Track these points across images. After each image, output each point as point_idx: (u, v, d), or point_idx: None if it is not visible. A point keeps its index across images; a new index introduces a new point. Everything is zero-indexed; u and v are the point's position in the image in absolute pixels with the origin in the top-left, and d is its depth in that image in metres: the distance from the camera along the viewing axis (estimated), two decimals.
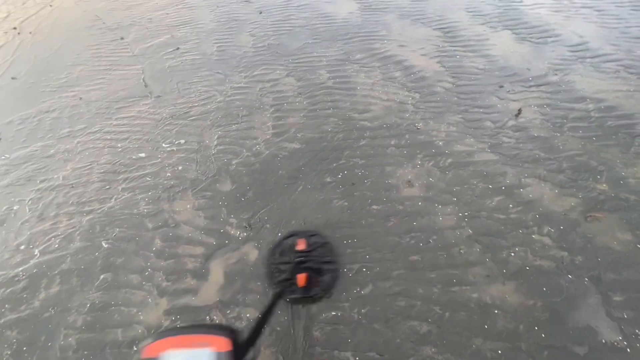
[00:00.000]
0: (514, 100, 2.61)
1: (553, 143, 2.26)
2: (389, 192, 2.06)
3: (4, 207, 2.21)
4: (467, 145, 2.29)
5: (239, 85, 3.05)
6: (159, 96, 3.03)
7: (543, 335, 1.45)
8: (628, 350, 1.39)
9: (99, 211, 2.12)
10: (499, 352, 1.41)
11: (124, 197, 2.19)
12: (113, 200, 2.18)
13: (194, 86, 3.09)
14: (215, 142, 2.51)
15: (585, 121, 2.39)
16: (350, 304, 1.60)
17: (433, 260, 1.72)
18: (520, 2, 3.95)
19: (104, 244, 1.95)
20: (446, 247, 1.77)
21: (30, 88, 3.32)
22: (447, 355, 1.42)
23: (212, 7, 4.45)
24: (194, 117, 2.75)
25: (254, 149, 2.42)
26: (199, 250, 1.88)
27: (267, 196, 2.11)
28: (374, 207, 1.99)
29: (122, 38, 3.97)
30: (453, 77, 2.90)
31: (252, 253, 1.83)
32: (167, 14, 4.41)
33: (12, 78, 3.49)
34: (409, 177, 2.13)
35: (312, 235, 1.84)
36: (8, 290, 1.79)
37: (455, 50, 3.22)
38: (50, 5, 4.97)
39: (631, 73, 2.78)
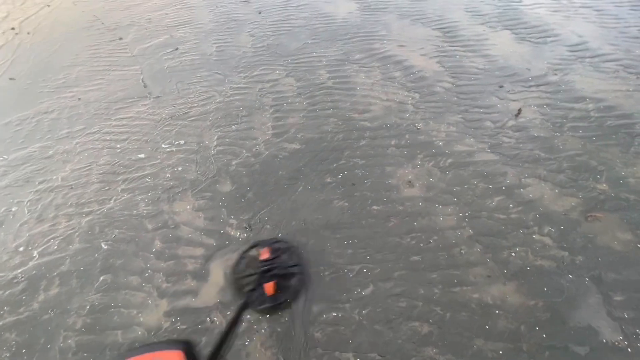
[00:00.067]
0: (514, 100, 2.62)
1: (553, 143, 2.26)
2: (390, 192, 2.06)
3: (3, 209, 2.20)
4: (467, 145, 2.29)
5: (239, 85, 3.04)
6: (158, 97, 3.02)
7: (544, 335, 1.45)
8: (629, 350, 1.39)
9: (98, 212, 2.11)
10: (500, 352, 1.41)
11: (123, 198, 2.18)
12: (112, 201, 2.17)
13: (193, 87, 3.08)
14: (215, 143, 2.50)
15: (585, 121, 2.40)
16: (351, 305, 1.60)
17: (434, 261, 1.72)
18: (520, 2, 3.96)
19: (103, 246, 1.94)
20: (447, 247, 1.77)
21: (28, 89, 3.30)
22: (448, 356, 1.42)
23: (211, 7, 4.45)
24: (193, 118, 2.74)
25: (253, 149, 2.42)
26: (199, 251, 1.87)
27: (267, 197, 2.10)
28: (375, 207, 1.99)
29: (120, 38, 3.96)
30: (453, 77, 2.90)
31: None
32: (166, 14, 4.40)
33: (10, 79, 3.48)
34: (409, 177, 2.13)
35: (275, 242, 1.82)
36: (7, 293, 1.78)
37: (454, 50, 3.23)
38: (48, 6, 4.95)
39: (630, 73, 2.78)
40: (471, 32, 3.47)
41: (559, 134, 2.32)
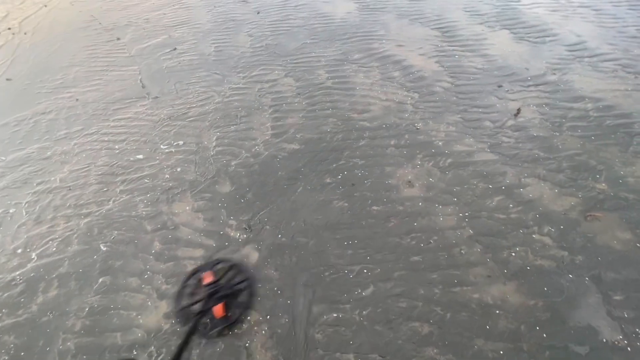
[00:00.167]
0: (513, 100, 2.62)
1: (552, 142, 2.26)
2: (389, 192, 2.05)
3: (0, 211, 2.19)
4: (467, 145, 2.29)
5: (237, 85, 3.03)
6: (157, 97, 3.01)
7: (544, 335, 1.45)
8: (629, 349, 1.39)
9: (97, 214, 2.10)
10: (501, 352, 1.41)
11: (122, 199, 2.17)
12: (111, 202, 2.16)
13: (192, 87, 3.07)
14: (214, 144, 2.49)
15: (584, 120, 2.40)
16: (351, 306, 1.59)
17: (434, 261, 1.72)
18: (518, 1, 3.96)
19: (102, 247, 1.93)
20: (447, 247, 1.77)
21: (25, 89, 3.28)
22: (448, 356, 1.42)
23: (209, 7, 4.43)
24: (192, 118, 2.73)
25: (253, 150, 2.41)
26: (199, 252, 1.86)
27: (266, 197, 2.10)
28: (374, 207, 1.98)
29: (118, 39, 3.94)
30: (452, 76, 2.90)
31: (253, 255, 1.82)
32: (164, 14, 4.39)
33: (7, 79, 3.46)
34: (409, 177, 2.13)
35: (217, 264, 1.79)
36: (5, 295, 1.77)
37: (453, 50, 3.23)
38: (45, 6, 4.93)
39: (629, 72, 2.79)
40: (470, 32, 3.47)
41: (558, 134, 2.32)
